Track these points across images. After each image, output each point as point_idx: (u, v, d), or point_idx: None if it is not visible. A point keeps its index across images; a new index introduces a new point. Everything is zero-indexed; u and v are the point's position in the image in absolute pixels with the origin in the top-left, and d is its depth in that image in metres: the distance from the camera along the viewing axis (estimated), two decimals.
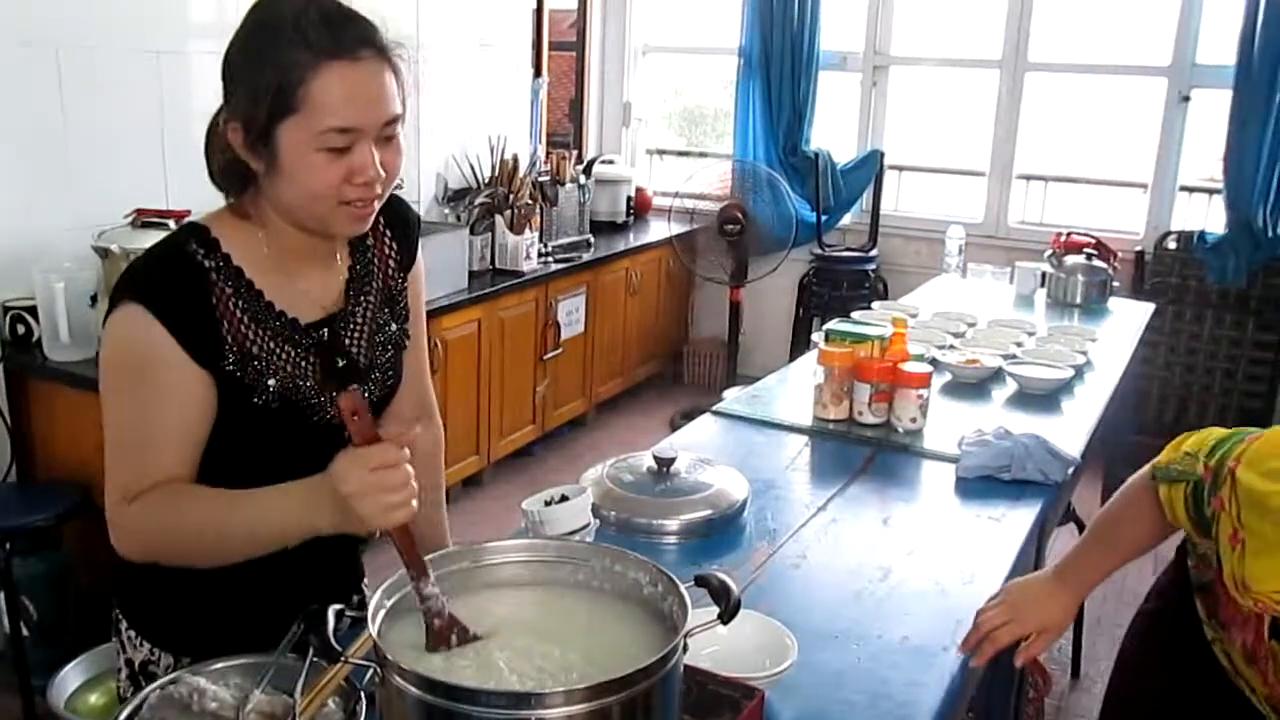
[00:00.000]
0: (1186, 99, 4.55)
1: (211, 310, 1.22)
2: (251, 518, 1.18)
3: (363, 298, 1.38)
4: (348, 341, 1.35)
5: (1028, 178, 5.03)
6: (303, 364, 1.29)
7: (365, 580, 1.57)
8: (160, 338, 1.19)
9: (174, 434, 1.22)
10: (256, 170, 1.21)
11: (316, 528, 1.14)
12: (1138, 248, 4.60)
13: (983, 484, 2.01)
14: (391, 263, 1.44)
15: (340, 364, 1.34)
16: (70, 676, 2.47)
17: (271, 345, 1.26)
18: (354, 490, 1.06)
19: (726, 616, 1.06)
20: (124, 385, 1.22)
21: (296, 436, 1.28)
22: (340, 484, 1.07)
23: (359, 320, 1.37)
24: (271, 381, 1.25)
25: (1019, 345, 2.80)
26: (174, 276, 1.22)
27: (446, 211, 4.27)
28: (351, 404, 1.07)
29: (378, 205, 1.25)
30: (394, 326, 1.42)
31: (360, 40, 1.18)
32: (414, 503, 1.09)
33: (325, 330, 1.33)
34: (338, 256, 1.37)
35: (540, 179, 4.60)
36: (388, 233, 1.43)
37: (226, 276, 1.24)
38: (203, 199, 1.35)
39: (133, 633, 1.38)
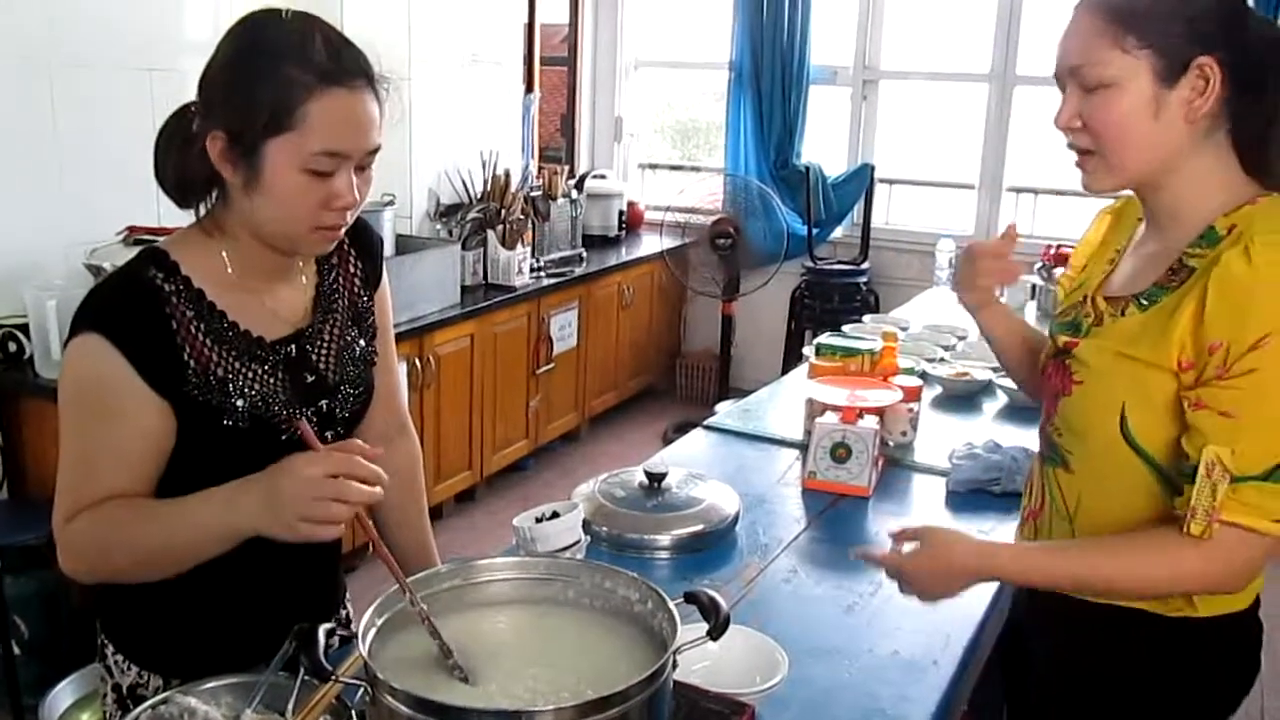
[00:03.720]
0: None
1: (172, 336, 1.22)
2: (184, 519, 1.18)
3: (330, 315, 1.39)
4: (315, 358, 1.35)
5: (1017, 190, 5.06)
6: (271, 381, 1.29)
7: (348, 597, 1.56)
8: (117, 367, 1.18)
9: (122, 460, 1.22)
10: (231, 183, 1.21)
11: (242, 527, 1.14)
12: None
13: (973, 497, 2.02)
14: (357, 281, 1.45)
15: (309, 380, 1.34)
16: (61, 695, 2.45)
17: (237, 365, 1.26)
18: (297, 490, 1.08)
19: (716, 633, 1.07)
20: (78, 414, 1.22)
21: (268, 454, 1.26)
22: (283, 477, 1.10)
23: (326, 337, 1.37)
24: (240, 402, 1.25)
25: None
26: (132, 304, 1.21)
27: (439, 227, 4.28)
28: (301, 428, 1.12)
29: (344, 230, 1.27)
30: (362, 343, 1.43)
31: (358, 69, 1.20)
32: (339, 529, 1.11)
33: (292, 346, 1.33)
34: (303, 275, 1.37)
35: (532, 194, 4.61)
36: (352, 251, 1.44)
37: (187, 300, 1.24)
38: (194, 217, 1.34)
39: (119, 657, 1.37)
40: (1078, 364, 1.34)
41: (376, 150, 1.24)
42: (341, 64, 1.19)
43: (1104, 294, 1.36)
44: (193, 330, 1.23)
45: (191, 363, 1.23)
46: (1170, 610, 1.33)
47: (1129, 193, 1.37)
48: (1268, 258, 1.14)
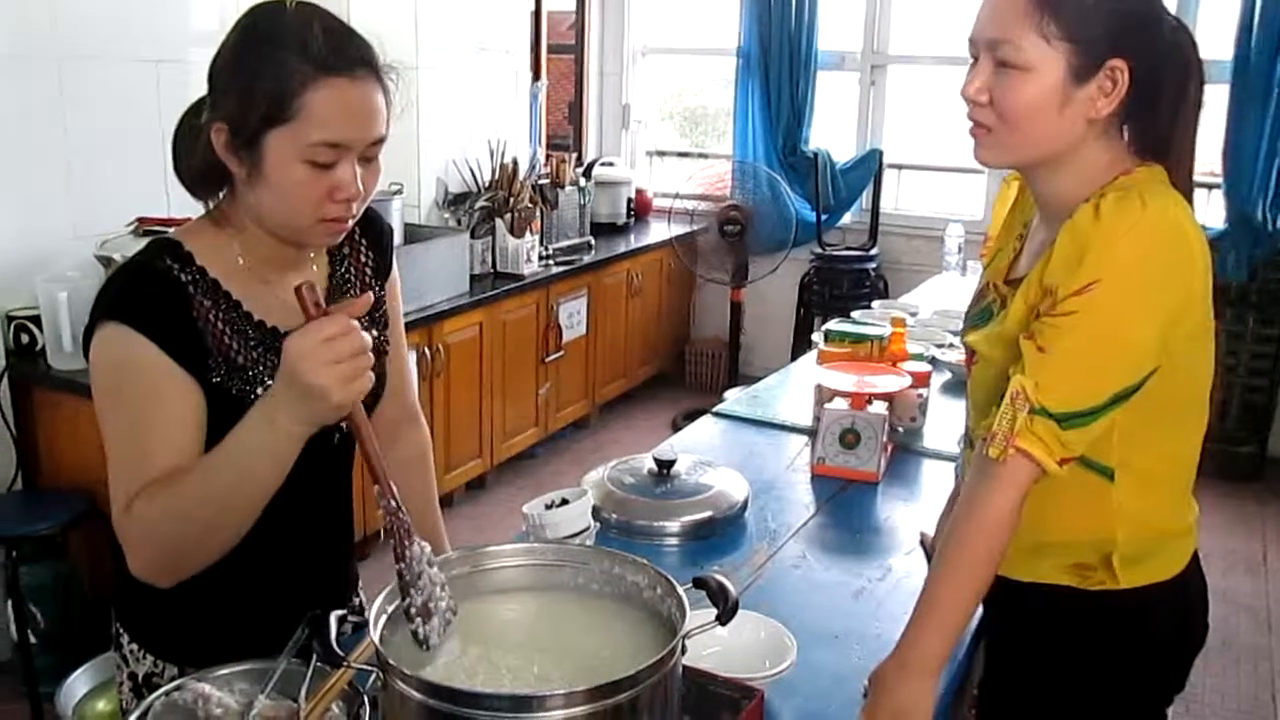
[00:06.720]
0: None
1: (193, 323, 1.21)
2: (230, 454, 1.13)
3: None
4: None
5: None
6: None
7: (360, 586, 1.57)
8: (147, 351, 1.18)
9: (171, 440, 1.19)
10: (236, 174, 1.21)
11: (287, 430, 1.09)
12: None
13: None
14: (368, 271, 1.45)
15: None
16: (77, 683, 2.48)
17: (255, 355, 1.26)
18: (307, 362, 1.03)
19: (725, 617, 1.07)
20: (118, 401, 1.20)
21: None
22: (292, 358, 1.03)
23: None
24: (260, 390, 1.25)
25: None
26: (151, 292, 1.20)
27: (447, 216, 4.28)
28: (304, 291, 1.06)
29: (352, 222, 1.25)
30: (374, 334, 1.43)
31: (359, 58, 1.18)
32: (370, 375, 1.06)
33: None
34: (314, 266, 1.37)
35: (540, 182, 4.61)
36: (363, 242, 1.44)
37: (204, 290, 1.23)
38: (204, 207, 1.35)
39: (135, 646, 1.38)
40: (978, 347, 1.37)
41: (381, 141, 1.21)
42: (341, 53, 1.16)
43: (1008, 278, 1.39)
44: (212, 319, 1.23)
45: (214, 350, 1.23)
46: (1091, 584, 1.34)
47: None
48: (1111, 210, 1.18)
